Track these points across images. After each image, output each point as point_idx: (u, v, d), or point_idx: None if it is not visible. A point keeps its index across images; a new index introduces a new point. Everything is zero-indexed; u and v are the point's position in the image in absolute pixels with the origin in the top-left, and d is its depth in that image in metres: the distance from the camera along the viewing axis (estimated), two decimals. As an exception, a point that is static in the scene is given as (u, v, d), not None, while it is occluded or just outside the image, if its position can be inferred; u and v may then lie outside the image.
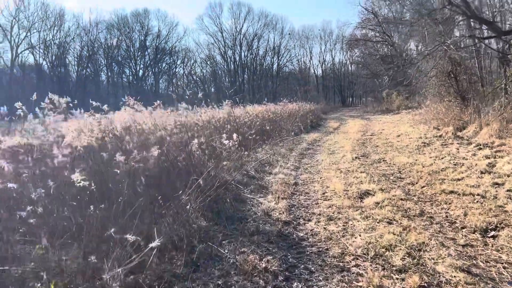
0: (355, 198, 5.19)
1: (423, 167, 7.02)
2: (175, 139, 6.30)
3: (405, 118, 20.86)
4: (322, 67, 64.64)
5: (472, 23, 10.73)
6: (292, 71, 64.33)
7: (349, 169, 7.39)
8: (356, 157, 8.84)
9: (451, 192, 5.08)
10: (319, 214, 4.67)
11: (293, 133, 13.33)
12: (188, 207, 4.27)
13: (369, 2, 37.42)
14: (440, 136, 11.06)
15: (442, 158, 7.73)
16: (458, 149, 8.72)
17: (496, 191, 4.86)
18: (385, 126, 17.30)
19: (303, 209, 4.98)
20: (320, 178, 6.85)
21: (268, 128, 12.00)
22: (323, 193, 5.71)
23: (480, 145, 8.60)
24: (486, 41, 12.60)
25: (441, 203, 4.76)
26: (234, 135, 6.43)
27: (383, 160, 8.41)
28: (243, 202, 5.24)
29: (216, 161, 5.97)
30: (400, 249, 3.34)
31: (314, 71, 65.58)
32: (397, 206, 4.71)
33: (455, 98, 14.29)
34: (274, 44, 62.02)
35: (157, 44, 60.54)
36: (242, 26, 60.60)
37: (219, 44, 61.21)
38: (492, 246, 3.31)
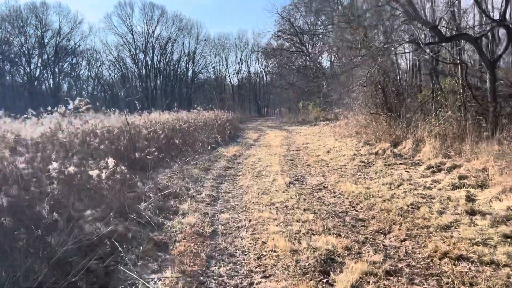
0: (314, 273, 3.10)
1: (384, 201, 5.27)
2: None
3: (325, 130, 19.90)
4: (238, 76, 63.44)
5: (411, 26, 9.68)
6: (207, 78, 62.10)
7: (287, 204, 5.36)
8: (290, 183, 6.90)
9: (460, 257, 3.27)
10: (260, 319, 2.48)
11: (209, 147, 11.06)
12: None
13: (285, 13, 37.09)
14: (377, 153, 9.73)
15: (399, 186, 6.12)
16: (408, 171, 7.29)
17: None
18: (308, 139, 15.93)
19: (228, 302, 2.75)
20: (250, 221, 4.67)
21: (178, 141, 9.56)
22: (258, 258, 3.53)
23: (433, 167, 7.26)
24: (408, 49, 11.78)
25: (454, 282, 2.90)
26: (110, 160, 3.97)
27: (324, 187, 6.57)
28: (116, 293, 2.83)
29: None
30: None
31: (230, 80, 64.08)
32: (391, 295, 2.73)
33: (382, 110, 13.39)
34: (189, 49, 59.22)
35: (57, 42, 53.59)
36: (155, 28, 56.70)
37: (129, 46, 56.44)
38: None
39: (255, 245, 3.84)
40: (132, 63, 57.76)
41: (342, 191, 6.14)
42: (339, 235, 4.01)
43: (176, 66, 60.04)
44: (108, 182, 4.72)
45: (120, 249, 3.49)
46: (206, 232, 4.21)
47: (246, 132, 21.26)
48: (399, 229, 4.10)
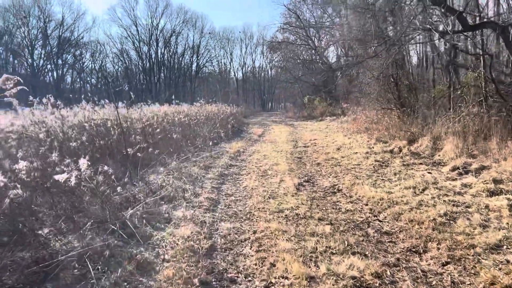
0: (341, 314, 2.38)
1: (411, 209, 4.52)
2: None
3: (332, 126, 19.13)
4: (242, 70, 62.59)
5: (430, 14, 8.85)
6: (212, 72, 61.27)
7: (298, 211, 4.62)
8: (299, 184, 6.16)
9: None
10: None
11: (211, 143, 10.33)
12: None
13: (291, 5, 36.11)
14: (392, 151, 8.96)
15: (424, 191, 5.37)
16: (430, 173, 6.52)
17: None
18: (315, 134, 15.13)
19: None
20: (255, 233, 3.94)
21: (176, 136, 8.83)
22: (267, 287, 2.81)
23: (458, 168, 6.50)
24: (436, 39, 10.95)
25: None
26: (82, 161, 3.26)
27: (339, 190, 5.82)
28: None
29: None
30: None
31: (234, 73, 63.26)
32: None
33: (395, 105, 12.60)
34: (194, 42, 58.34)
35: (60, 33, 52.80)
36: (159, 21, 55.84)
37: (133, 38, 55.64)
38: None
39: (261, 267, 3.11)
40: (136, 55, 57.06)
41: (359, 196, 5.39)
42: (365, 255, 3.28)
43: (180, 59, 59.30)
44: (89, 184, 3.99)
45: (92, 273, 2.77)
46: (202, 248, 3.48)
47: (250, 127, 20.52)
48: (438, 249, 3.35)
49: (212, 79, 60.04)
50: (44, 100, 6.04)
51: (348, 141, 11.59)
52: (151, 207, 4.54)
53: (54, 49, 53.26)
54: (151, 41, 56.70)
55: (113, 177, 4.21)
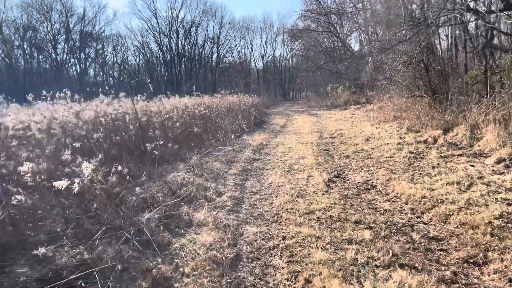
0: None
1: (459, 209, 3.99)
2: None
3: (357, 114, 18.40)
4: (263, 60, 61.82)
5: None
6: (232, 62, 60.77)
7: (331, 213, 4.16)
8: (329, 180, 5.68)
9: None
10: None
11: (233, 135, 9.93)
12: None
13: (312, -9, 34.98)
14: (426, 141, 8.33)
15: (470, 187, 4.81)
16: (473, 166, 5.93)
17: None
18: (341, 124, 14.52)
19: None
20: (284, 239, 3.51)
21: (197, 129, 8.46)
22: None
23: (504, 160, 5.88)
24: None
25: None
26: (86, 165, 2.90)
27: (373, 187, 5.32)
28: None
29: None
30: None
31: (255, 63, 62.58)
32: None
33: (426, 92, 11.86)
34: (214, 33, 57.91)
35: (82, 27, 53.43)
36: (179, 12, 55.61)
37: (154, 30, 55.71)
38: None
39: (295, 283, 2.69)
40: (157, 48, 57.16)
41: (397, 193, 4.88)
42: (415, 268, 2.81)
43: (200, 50, 59.00)
44: (102, 186, 3.66)
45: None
46: (227, 258, 3.09)
47: (272, 118, 20.03)
48: (502, 260, 2.84)
49: (232, 70, 59.58)
50: (57, 94, 5.78)
51: (376, 131, 10.96)
52: (170, 209, 4.18)
53: (77, 43, 53.90)
54: (171, 32, 56.60)
55: (128, 177, 3.86)
